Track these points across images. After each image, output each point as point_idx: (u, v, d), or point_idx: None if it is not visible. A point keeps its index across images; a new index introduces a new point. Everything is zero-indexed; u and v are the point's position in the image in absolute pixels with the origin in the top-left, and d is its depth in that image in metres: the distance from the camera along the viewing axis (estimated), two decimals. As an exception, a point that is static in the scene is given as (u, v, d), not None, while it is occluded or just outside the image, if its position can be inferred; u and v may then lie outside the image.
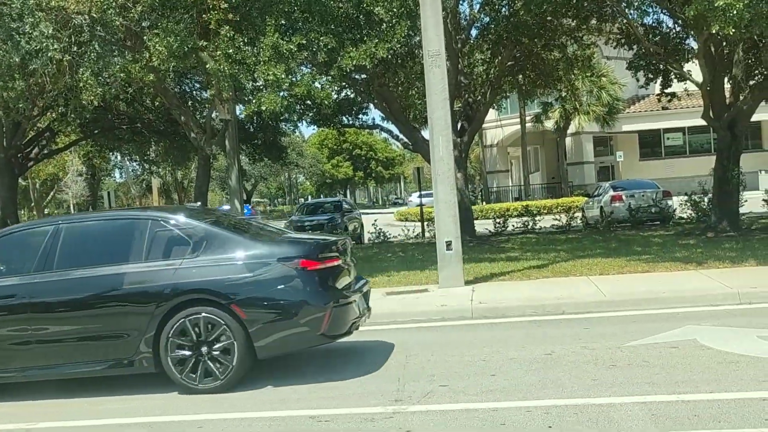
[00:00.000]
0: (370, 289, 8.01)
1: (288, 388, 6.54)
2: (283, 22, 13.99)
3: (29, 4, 12.51)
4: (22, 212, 38.39)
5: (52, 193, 55.84)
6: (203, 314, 6.49)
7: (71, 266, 6.84)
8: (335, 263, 6.91)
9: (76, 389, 6.93)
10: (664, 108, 21.66)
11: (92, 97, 13.60)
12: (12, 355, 6.81)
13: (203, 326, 6.49)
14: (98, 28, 13.37)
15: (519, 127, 40.60)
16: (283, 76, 13.03)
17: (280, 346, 6.63)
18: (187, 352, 6.50)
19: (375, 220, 22.84)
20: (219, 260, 6.63)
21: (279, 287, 6.53)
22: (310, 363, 7.44)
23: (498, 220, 22.38)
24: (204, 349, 6.48)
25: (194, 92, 23.27)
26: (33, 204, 50.33)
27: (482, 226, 22.70)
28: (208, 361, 6.49)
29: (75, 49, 13.40)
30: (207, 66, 13.32)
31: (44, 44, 12.38)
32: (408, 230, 23.16)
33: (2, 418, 6.37)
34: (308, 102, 15.55)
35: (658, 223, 21.95)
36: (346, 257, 7.31)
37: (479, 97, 20.71)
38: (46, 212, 54.20)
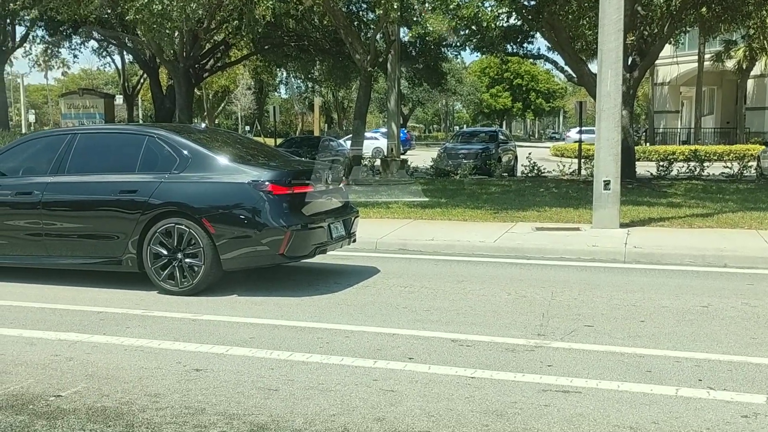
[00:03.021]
0: (357, 218, 8.55)
1: (429, 312, 6.68)
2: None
3: None
4: (196, 120, 40.89)
5: (222, 105, 58.99)
6: (178, 225, 7.26)
7: (80, 172, 7.76)
8: (306, 190, 7.50)
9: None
10: None
11: (264, 12, 14.05)
12: (26, 245, 7.91)
13: (177, 235, 7.26)
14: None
15: (696, 65, 37.74)
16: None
17: (242, 261, 7.28)
18: (164, 257, 7.30)
19: (529, 153, 22.35)
20: (199, 178, 7.34)
21: (246, 208, 7.16)
22: (451, 299, 7.50)
23: (662, 164, 21.19)
24: (178, 255, 7.26)
25: (361, 13, 23.43)
26: (205, 113, 53.41)
27: (644, 168, 21.63)
28: (181, 267, 7.25)
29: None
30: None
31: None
32: (563, 166, 22.50)
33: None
34: (474, 27, 15.20)
35: None
36: (326, 185, 7.94)
37: (656, 30, 19.36)
38: (216, 122, 57.43)
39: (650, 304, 6.85)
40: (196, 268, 7.24)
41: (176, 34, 20.35)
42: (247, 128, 61.03)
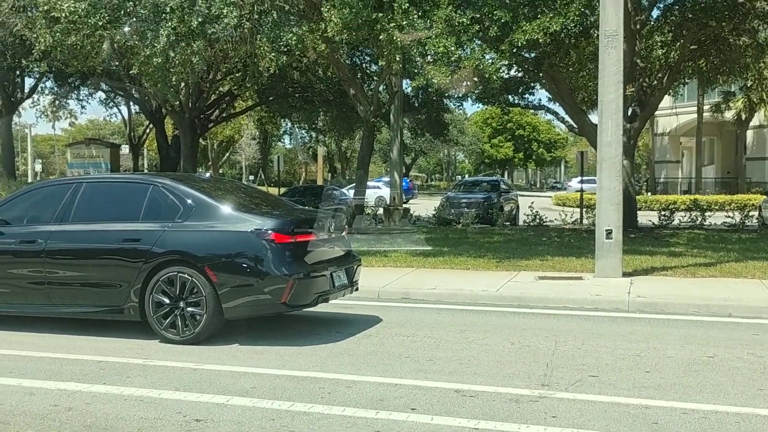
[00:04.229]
0: (359, 267, 8.55)
1: (432, 361, 6.63)
2: (458, -6, 13.96)
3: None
4: (200, 169, 41.25)
5: (227, 154, 59.47)
6: (181, 274, 7.23)
7: (83, 220, 7.77)
8: (309, 239, 7.51)
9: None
10: None
11: (268, 64, 14.28)
12: (28, 293, 7.89)
13: (179, 284, 7.22)
14: (279, -3, 13.98)
15: (695, 116, 38.11)
16: (452, 49, 13.03)
17: (244, 310, 7.26)
18: (166, 306, 7.25)
19: (532, 203, 22.40)
20: (202, 227, 7.38)
21: (249, 256, 7.17)
22: (450, 348, 7.46)
23: (663, 213, 21.21)
24: (180, 304, 7.21)
25: (364, 65, 23.81)
26: (210, 163, 53.83)
27: (646, 217, 21.65)
28: (183, 316, 7.20)
29: (256, 17, 14.10)
30: (380, 37, 13.55)
31: (224, 11, 13.10)
32: (565, 215, 22.54)
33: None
34: (475, 78, 15.43)
35: None
36: (329, 234, 7.97)
37: (655, 81, 19.63)
38: (221, 171, 57.84)
39: (655, 354, 6.79)
40: (198, 317, 7.21)
41: (182, 86, 20.68)
42: (252, 177, 61.44)
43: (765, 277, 10.80)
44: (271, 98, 25.90)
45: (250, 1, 13.95)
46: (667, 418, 4.97)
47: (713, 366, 6.38)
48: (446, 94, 21.89)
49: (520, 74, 20.90)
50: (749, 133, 37.66)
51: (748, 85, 29.45)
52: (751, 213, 22.17)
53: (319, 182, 54.79)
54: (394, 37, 13.26)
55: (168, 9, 13.43)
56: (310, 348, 7.15)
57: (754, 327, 8.13)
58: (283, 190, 33.74)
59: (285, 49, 14.33)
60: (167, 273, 7.29)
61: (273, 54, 13.92)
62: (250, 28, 14.11)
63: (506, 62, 15.25)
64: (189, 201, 7.55)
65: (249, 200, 8.34)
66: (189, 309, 7.22)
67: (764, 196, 25.09)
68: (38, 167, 59.89)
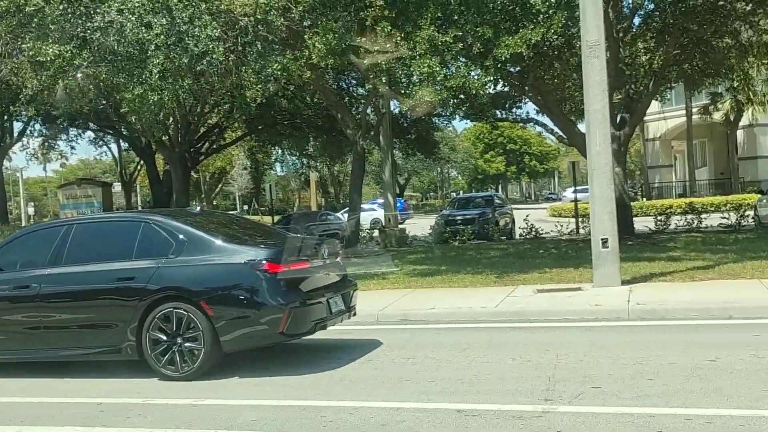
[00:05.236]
0: (356, 291, 8.48)
1: (434, 383, 6.58)
2: (439, 14, 14.03)
3: (201, 8, 13.36)
4: (194, 203, 41.26)
5: (220, 186, 59.52)
6: (177, 309, 7.16)
7: (77, 262, 7.71)
8: (302, 267, 7.47)
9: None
10: None
11: (255, 95, 14.33)
12: (25, 338, 7.82)
13: (176, 320, 7.15)
14: (261, 28, 14.04)
15: (684, 119, 38.26)
16: (437, 68, 13.09)
17: (242, 342, 7.19)
18: (163, 343, 7.16)
19: (527, 216, 22.42)
20: (195, 261, 7.31)
21: (244, 288, 7.14)
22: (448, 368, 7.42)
23: (659, 218, 21.26)
24: (178, 340, 7.13)
25: (351, 88, 23.93)
26: (203, 195, 53.86)
27: (642, 223, 21.66)
28: (181, 352, 7.12)
29: (240, 49, 14.17)
30: (364, 61, 13.63)
31: (210, 46, 13.17)
32: (561, 226, 22.54)
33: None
34: (462, 96, 15.50)
35: None
36: (323, 260, 7.91)
37: (641, 88, 19.73)
38: (214, 203, 57.83)
39: (657, 362, 6.74)
40: (196, 352, 7.14)
41: (170, 121, 20.74)
42: (245, 207, 61.46)
43: (764, 277, 10.78)
44: (260, 127, 25.98)
45: (234, 34, 14.02)
46: (672, 425, 4.93)
47: (715, 370, 6.34)
48: (434, 113, 21.96)
49: (506, 89, 21.00)
50: (739, 133, 37.82)
51: (735, 86, 29.61)
52: (746, 213, 22.20)
53: (313, 208, 54.79)
54: (379, 61, 13.32)
55: (153, 46, 13.50)
56: (311, 376, 7.09)
57: (755, 328, 8.09)
58: (276, 218, 33.74)
59: (271, 78, 14.39)
60: (163, 309, 7.24)
61: (259, 84, 13.98)
62: (235, 60, 14.17)
63: (492, 78, 15.31)
64: (181, 236, 7.53)
65: (241, 231, 8.34)
66: (187, 344, 7.16)
67: (759, 195, 25.16)
68: (31, 210, 59.79)
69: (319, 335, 8.20)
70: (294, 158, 46.03)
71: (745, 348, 7.06)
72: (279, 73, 14.35)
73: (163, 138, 21.70)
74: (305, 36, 14.32)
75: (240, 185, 60.83)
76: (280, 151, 38.86)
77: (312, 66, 14.47)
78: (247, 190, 62.80)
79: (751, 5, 17.05)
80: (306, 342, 8.55)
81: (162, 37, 13.40)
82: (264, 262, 7.17)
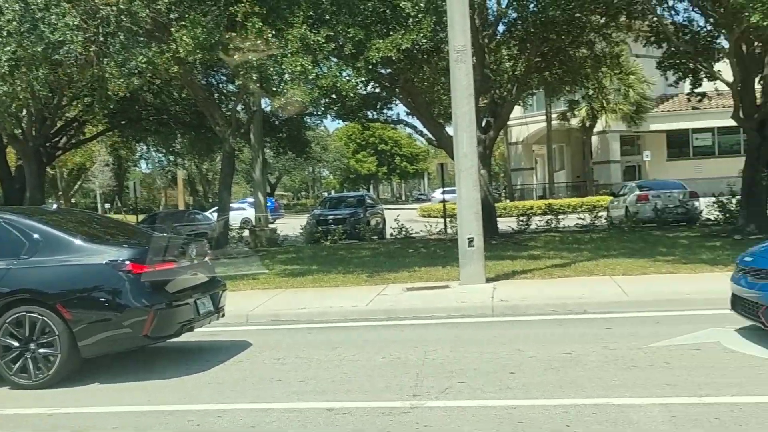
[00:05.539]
0: (225, 292, 8.25)
1: (304, 382, 6.56)
2: (311, 14, 13.99)
3: (57, -6, 12.64)
4: (51, 200, 38.89)
5: (79, 183, 56.45)
6: (30, 314, 6.76)
7: None
8: (168, 267, 7.20)
9: None
10: (693, 108, 21.37)
11: (117, 88, 13.72)
12: None
13: (29, 324, 6.75)
14: (124, 18, 13.46)
15: (545, 124, 40.27)
16: (309, 67, 13.05)
17: (103, 346, 6.87)
18: (15, 349, 6.75)
19: (398, 216, 22.81)
20: (51, 262, 6.91)
21: (105, 289, 6.82)
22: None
23: (521, 218, 22.25)
24: (31, 346, 6.73)
25: (220, 85, 23.40)
26: (60, 192, 50.94)
27: (505, 223, 22.57)
28: (35, 358, 6.72)
29: (101, 39, 13.52)
30: (234, 57, 13.37)
31: (68, 35, 12.49)
32: (430, 226, 23.10)
33: None
34: (333, 96, 15.55)
35: (684, 224, 21.67)
36: (191, 260, 7.65)
37: (505, 93, 20.56)
38: (73, 201, 54.83)
39: (519, 356, 7.05)
40: (51, 358, 6.74)
41: (23, 113, 19.47)
42: (107, 206, 58.76)
43: (614, 274, 11.52)
44: (123, 122, 24.86)
45: (95, 24, 13.35)
46: (531, 416, 5.17)
47: (571, 362, 6.71)
48: (305, 112, 21.88)
49: (377, 90, 21.27)
50: (594, 139, 40.17)
51: (590, 94, 31.44)
52: (600, 214, 23.70)
53: (180, 207, 53.17)
54: (250, 57, 13.11)
55: (5, 33, 12.64)
56: (176, 380, 6.88)
57: (607, 321, 8.63)
58: (141, 217, 32.48)
59: (135, 72, 13.82)
60: (15, 314, 6.79)
61: (122, 78, 13.39)
62: (97, 51, 13.50)
63: (363, 79, 15.47)
64: (35, 235, 7.09)
65: (103, 230, 7.96)
66: (41, 350, 6.74)
67: (611, 197, 26.89)
68: None
69: (187, 337, 7.96)
70: (160, 155, 44.54)
71: (598, 341, 7.52)
72: (144, 66, 13.81)
73: (15, 131, 20.35)
74: (172, 29, 13.85)
75: (102, 182, 57.96)
76: (145, 147, 37.38)
77: (179, 60, 14.01)
78: (109, 188, 59.98)
79: (604, 18, 18.17)
80: (172, 344, 8.28)
81: (14, 23, 12.58)
82: (127, 262, 6.88)
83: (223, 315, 8.27)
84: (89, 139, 29.28)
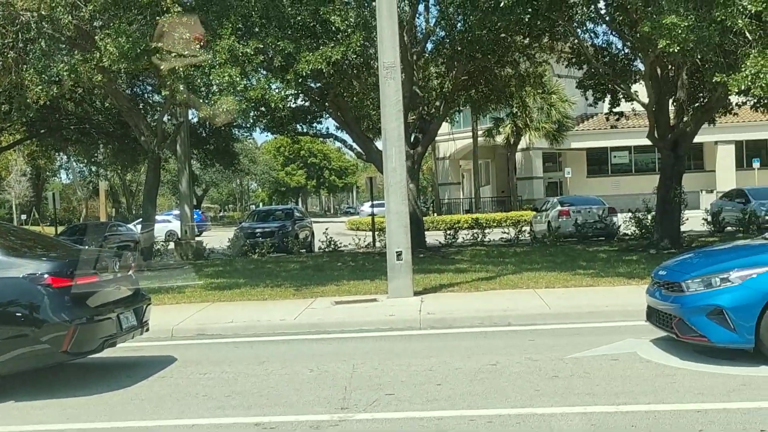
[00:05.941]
0: (149, 306, 8.07)
1: (231, 397, 6.49)
2: (240, 26, 13.92)
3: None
4: (-38, 212, 37.17)
5: (-7, 193, 54.12)
6: None
7: None
8: (90, 281, 7.00)
9: None
10: (611, 127, 22.17)
11: (36, 96, 13.31)
12: None
13: None
14: (45, 25, 13.08)
15: (471, 140, 41.05)
16: (237, 79, 12.96)
17: (19, 364, 6.61)
18: None
19: (326, 229, 22.80)
20: None
21: (22, 304, 6.57)
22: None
23: (448, 232, 22.57)
24: None
25: (146, 95, 22.96)
26: (-27, 203, 48.75)
27: (433, 237, 22.85)
28: None
29: (21, 46, 13.11)
30: (161, 67, 13.17)
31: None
32: (359, 240, 23.17)
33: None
34: (263, 108, 15.48)
35: (603, 238, 22.43)
36: (113, 273, 7.46)
37: (433, 110, 20.90)
38: (-14, 212, 52.58)
39: (445, 368, 7.16)
40: None
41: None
42: (24, 217, 56.55)
43: (538, 287, 11.83)
44: (42, 131, 24.07)
45: (14, 29, 12.94)
46: (457, 427, 5.27)
47: (496, 373, 6.86)
48: (234, 124, 21.68)
49: (307, 103, 21.29)
50: (518, 155, 41.17)
51: (514, 112, 32.29)
52: (524, 228, 24.28)
53: (103, 218, 51.67)
54: (177, 67, 12.93)
55: None
56: (97, 397, 6.69)
57: (530, 333, 8.85)
58: (60, 229, 31.44)
59: (56, 80, 13.43)
60: None
61: (42, 85, 12.99)
62: (15, 57, 13.07)
63: (292, 92, 15.46)
64: None
65: (20, 243, 7.68)
66: None
67: (533, 212, 27.58)
68: None
69: (109, 353, 7.76)
70: (81, 165, 43.26)
71: (521, 352, 7.71)
72: (66, 74, 13.44)
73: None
74: (96, 37, 13.54)
75: (18, 193, 55.79)
76: (65, 157, 36.22)
77: (103, 69, 13.70)
78: (26, 199, 57.76)
79: (528, 39, 18.72)
80: (93, 360, 8.06)
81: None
82: (46, 275, 6.66)
83: (147, 329, 8.09)
84: (5, 148, 28.23)
